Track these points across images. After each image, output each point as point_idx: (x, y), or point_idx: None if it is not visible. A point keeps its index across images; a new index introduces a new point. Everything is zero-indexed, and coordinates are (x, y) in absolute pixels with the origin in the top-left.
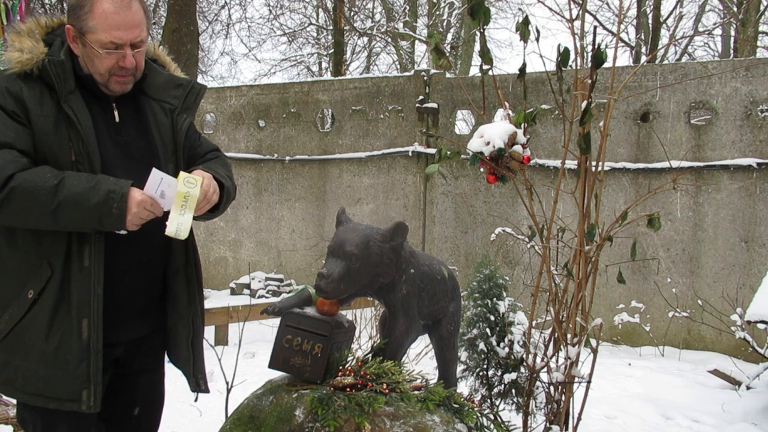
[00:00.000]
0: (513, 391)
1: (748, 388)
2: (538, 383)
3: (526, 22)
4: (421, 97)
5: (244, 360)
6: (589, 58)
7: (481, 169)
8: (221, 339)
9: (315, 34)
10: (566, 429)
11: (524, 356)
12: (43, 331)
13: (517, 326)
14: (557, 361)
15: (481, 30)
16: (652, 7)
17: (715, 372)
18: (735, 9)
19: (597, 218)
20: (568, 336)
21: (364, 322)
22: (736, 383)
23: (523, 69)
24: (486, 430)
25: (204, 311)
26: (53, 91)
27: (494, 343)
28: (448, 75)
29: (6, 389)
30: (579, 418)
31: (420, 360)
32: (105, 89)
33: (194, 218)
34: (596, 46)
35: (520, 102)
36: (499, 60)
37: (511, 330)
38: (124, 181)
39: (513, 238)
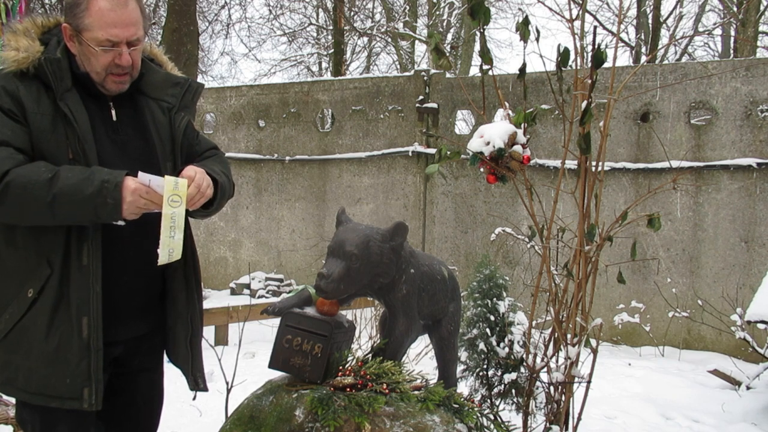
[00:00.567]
0: (513, 391)
1: (748, 388)
2: (538, 383)
3: (526, 22)
4: (421, 97)
5: (244, 360)
6: (589, 58)
7: (481, 169)
8: (221, 339)
9: (315, 34)
10: (566, 429)
11: (524, 356)
12: (44, 330)
13: (517, 326)
14: (557, 361)
15: (481, 30)
16: (652, 7)
17: (715, 372)
18: (735, 9)
19: (597, 218)
20: (568, 336)
21: (364, 322)
22: (736, 383)
23: (523, 69)
24: (486, 430)
25: (203, 310)
26: (50, 89)
27: (494, 343)
28: (448, 75)
29: (7, 389)
30: (579, 418)
31: (420, 360)
32: (102, 88)
33: (190, 216)
34: (596, 46)
35: (520, 102)
36: (499, 60)
37: (511, 330)
38: (119, 171)
39: (513, 238)
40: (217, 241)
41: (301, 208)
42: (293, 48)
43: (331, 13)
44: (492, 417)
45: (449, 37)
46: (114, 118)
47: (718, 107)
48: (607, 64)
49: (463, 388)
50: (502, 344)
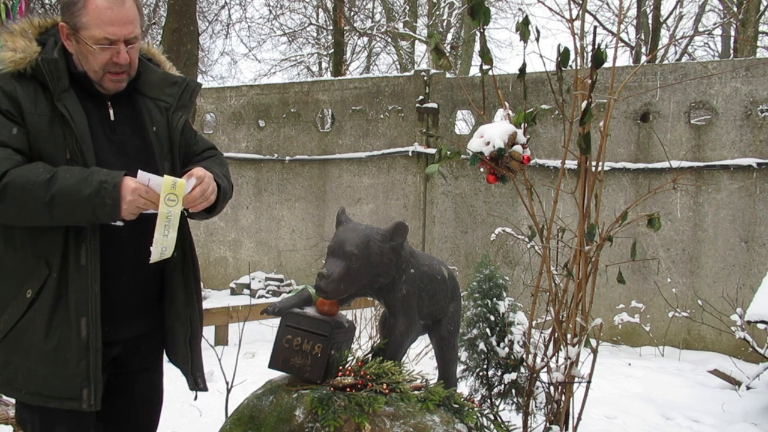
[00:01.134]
0: (513, 391)
1: (748, 388)
2: (538, 383)
3: (526, 22)
4: (421, 97)
5: (244, 360)
6: (589, 58)
7: (481, 169)
8: (221, 339)
9: (315, 34)
10: (566, 429)
11: (524, 356)
12: (42, 330)
13: (517, 326)
14: (557, 361)
15: (481, 30)
16: (652, 7)
17: (715, 372)
18: (735, 9)
19: (597, 218)
20: (568, 336)
21: (364, 322)
22: (736, 383)
23: (523, 69)
24: (486, 430)
25: (202, 310)
26: (47, 90)
27: (494, 343)
28: (448, 75)
29: (6, 389)
30: (579, 418)
31: (420, 360)
32: (99, 87)
33: (190, 217)
34: (596, 46)
35: (520, 102)
36: (499, 60)
37: (511, 330)
38: (117, 171)
39: (513, 238)
40: (217, 241)
41: (301, 208)
42: (293, 48)
43: (331, 13)
44: (492, 417)
45: (449, 37)
46: (111, 118)
47: (718, 107)
48: (607, 64)
49: (463, 388)
50: (502, 344)
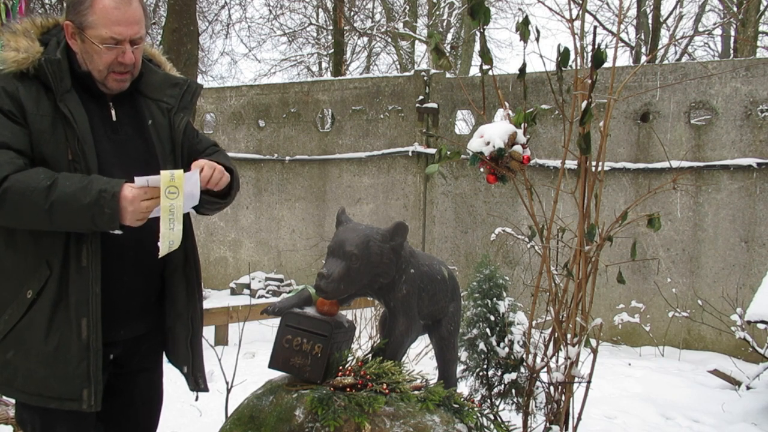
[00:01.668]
0: (513, 391)
1: (748, 388)
2: (538, 383)
3: (526, 22)
4: (421, 97)
5: (244, 360)
6: (589, 58)
7: (481, 169)
8: (221, 339)
9: (315, 34)
10: (566, 429)
11: (524, 356)
12: (43, 331)
13: (517, 326)
14: (557, 361)
15: (481, 30)
16: (652, 7)
17: (715, 372)
18: (735, 9)
19: (597, 218)
20: (568, 336)
21: (364, 322)
22: (736, 383)
23: (523, 69)
24: (486, 430)
25: (203, 310)
26: (49, 90)
27: (494, 343)
28: (448, 75)
29: (5, 389)
30: (579, 418)
31: (420, 360)
32: (102, 87)
33: (206, 212)
34: (596, 46)
35: (520, 102)
36: (499, 60)
37: (511, 330)
38: (117, 180)
39: (513, 238)
40: (217, 241)
41: (301, 208)
42: (293, 48)
43: (331, 13)
44: (492, 417)
45: (449, 37)
46: (114, 118)
47: (718, 107)
48: (607, 64)
49: (463, 388)
50: (502, 344)
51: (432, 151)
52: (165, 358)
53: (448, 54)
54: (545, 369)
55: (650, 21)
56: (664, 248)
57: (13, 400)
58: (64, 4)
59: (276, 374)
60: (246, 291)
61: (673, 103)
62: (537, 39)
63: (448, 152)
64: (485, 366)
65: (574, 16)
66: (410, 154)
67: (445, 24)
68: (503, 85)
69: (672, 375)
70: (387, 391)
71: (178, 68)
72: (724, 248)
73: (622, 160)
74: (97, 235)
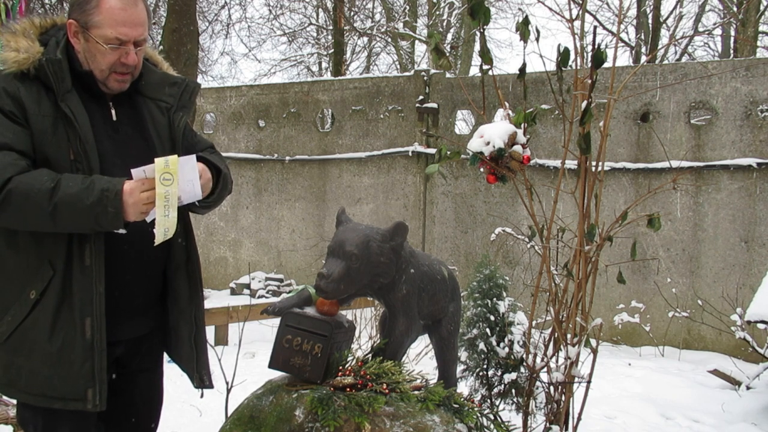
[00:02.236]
0: (513, 391)
1: (748, 388)
2: (538, 383)
3: (526, 22)
4: (421, 97)
5: (244, 360)
6: (589, 58)
7: (481, 169)
8: (221, 339)
9: (315, 34)
10: (566, 429)
11: (524, 356)
12: (46, 331)
13: (517, 326)
14: (557, 361)
15: (481, 30)
16: (652, 7)
17: (715, 372)
18: (735, 9)
19: (597, 218)
20: (568, 336)
21: (364, 322)
22: (736, 383)
23: (523, 69)
24: (486, 430)
25: (204, 309)
26: (50, 90)
27: (494, 343)
28: (448, 75)
29: (9, 390)
30: (579, 418)
31: (420, 360)
32: (103, 87)
33: (193, 212)
34: (596, 46)
35: (520, 102)
36: (499, 60)
37: (511, 330)
38: (118, 179)
39: (513, 238)
40: (217, 241)
41: (301, 208)
42: (293, 48)
43: (331, 13)
44: (492, 417)
45: (449, 37)
46: (114, 118)
47: (718, 107)
48: (607, 64)
49: (463, 388)
50: (502, 344)
51: (432, 151)
52: (167, 358)
53: (448, 54)
54: (545, 369)
55: (650, 21)
56: (664, 248)
57: (13, 400)
58: (64, 4)
59: (276, 374)
60: (246, 291)
61: (673, 103)
62: (537, 39)
63: (448, 152)
64: (485, 366)
65: (574, 16)
66: (410, 154)
67: (445, 24)
68: (503, 85)
69: (672, 375)
70: (387, 391)
71: (178, 68)
72: (724, 248)
73: (622, 160)
74: (100, 234)
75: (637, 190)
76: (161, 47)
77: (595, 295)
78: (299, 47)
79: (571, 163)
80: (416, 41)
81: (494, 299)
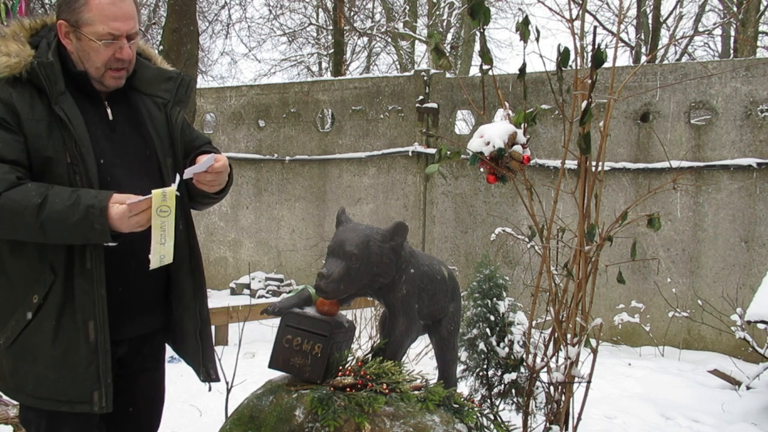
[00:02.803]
0: (513, 391)
1: (748, 388)
2: (538, 383)
3: (526, 22)
4: (421, 97)
5: (244, 360)
6: (589, 58)
7: (481, 169)
8: (221, 339)
9: (315, 34)
10: (566, 429)
11: (524, 356)
12: (50, 335)
13: (517, 326)
14: (557, 361)
15: (481, 30)
16: (652, 7)
17: (715, 372)
18: (735, 9)
19: (597, 218)
20: (568, 336)
21: (364, 322)
22: (736, 383)
23: (523, 69)
24: (486, 430)
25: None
26: (43, 94)
27: (494, 343)
28: (448, 75)
29: (17, 395)
30: (579, 418)
31: (420, 360)
32: (99, 85)
33: (193, 207)
34: (596, 46)
35: (520, 102)
36: (499, 60)
37: (511, 330)
38: (105, 193)
39: (513, 238)
40: (217, 241)
41: (301, 208)
42: (293, 48)
43: (331, 13)
44: (492, 417)
45: (449, 37)
46: (110, 117)
47: (718, 107)
48: (607, 64)
49: (463, 388)
50: (502, 344)
51: (432, 151)
52: (167, 358)
53: (448, 54)
54: (545, 369)
55: (650, 21)
56: (664, 248)
57: (13, 401)
58: (58, 1)
59: (276, 374)
60: (246, 291)
61: (673, 103)
62: (537, 39)
63: (448, 152)
64: (485, 366)
65: (574, 16)
66: (410, 154)
67: (445, 24)
68: (503, 85)
69: (672, 375)
70: (387, 391)
71: (178, 68)
72: (724, 248)
73: (622, 160)
74: None
75: (637, 190)
76: (161, 47)
77: (595, 295)
78: (299, 47)
79: (571, 163)
80: (416, 41)
81: (494, 299)
